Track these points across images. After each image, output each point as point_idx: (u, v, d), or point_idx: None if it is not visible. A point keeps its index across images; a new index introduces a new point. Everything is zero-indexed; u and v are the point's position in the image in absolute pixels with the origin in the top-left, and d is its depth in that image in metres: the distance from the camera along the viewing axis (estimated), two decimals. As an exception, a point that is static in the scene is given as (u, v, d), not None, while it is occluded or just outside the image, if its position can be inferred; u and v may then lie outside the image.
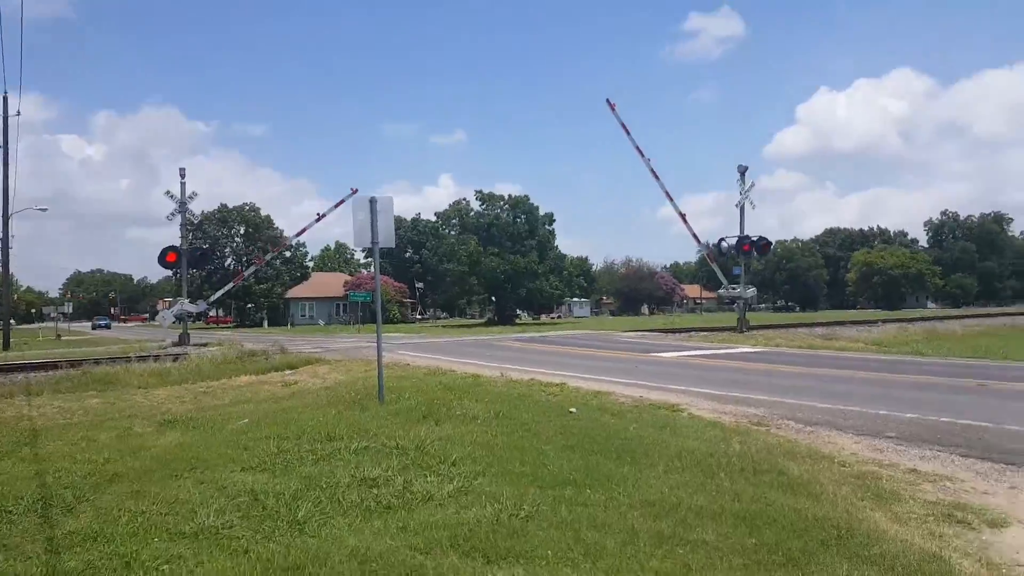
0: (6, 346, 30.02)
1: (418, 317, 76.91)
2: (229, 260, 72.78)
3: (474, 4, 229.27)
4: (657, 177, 33.70)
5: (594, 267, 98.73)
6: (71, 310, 65.85)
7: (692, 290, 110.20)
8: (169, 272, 51.53)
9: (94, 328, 78.49)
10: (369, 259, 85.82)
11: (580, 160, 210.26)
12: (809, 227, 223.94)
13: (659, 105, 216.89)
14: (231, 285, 37.74)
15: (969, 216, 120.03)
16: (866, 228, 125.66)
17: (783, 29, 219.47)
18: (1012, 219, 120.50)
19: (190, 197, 27.53)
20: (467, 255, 63.06)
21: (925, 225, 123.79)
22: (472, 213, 68.94)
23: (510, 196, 67.67)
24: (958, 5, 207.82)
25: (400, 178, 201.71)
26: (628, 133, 33.61)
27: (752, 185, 32.37)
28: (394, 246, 10.28)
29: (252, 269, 45.49)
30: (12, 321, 40.41)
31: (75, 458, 6.82)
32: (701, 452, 6.78)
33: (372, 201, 9.71)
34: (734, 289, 32.99)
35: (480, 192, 68.34)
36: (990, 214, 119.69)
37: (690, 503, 5.16)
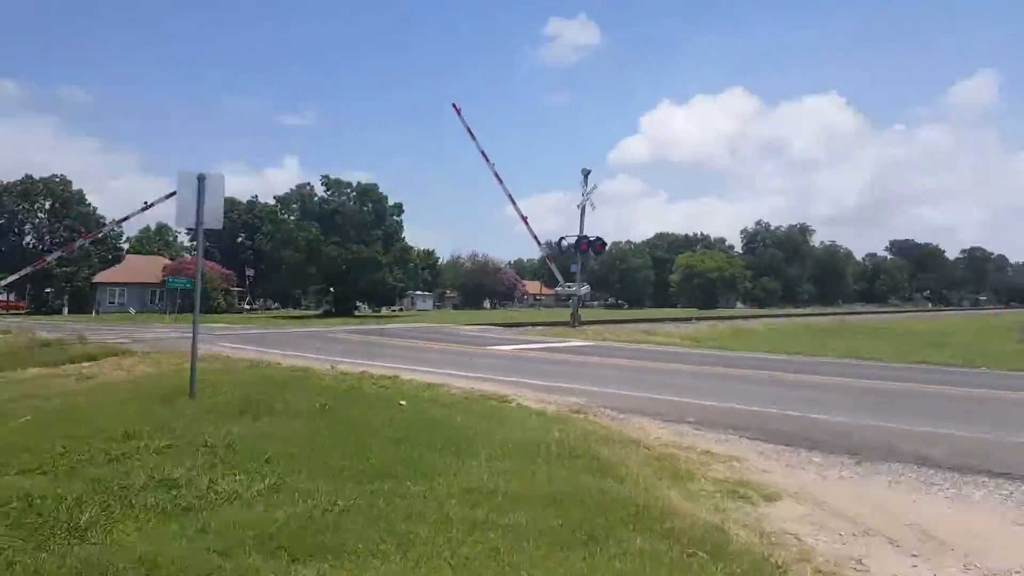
0: None
1: (247, 307, 72.76)
2: (29, 238, 64.88)
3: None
4: (501, 181, 34.56)
5: (440, 260, 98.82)
6: None
7: (533, 286, 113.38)
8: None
9: None
10: (194, 242, 79.88)
11: (432, 153, 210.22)
12: (642, 231, 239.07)
13: (516, 106, 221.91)
14: (29, 269, 33.67)
15: (779, 226, 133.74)
16: (691, 234, 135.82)
17: (636, 41, 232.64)
18: (815, 231, 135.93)
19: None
20: (306, 242, 60.36)
21: (741, 233, 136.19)
22: (316, 199, 65.97)
23: (359, 184, 65.42)
24: (786, 30, 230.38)
25: (240, 158, 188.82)
26: (473, 137, 34.22)
27: (594, 188, 34.03)
28: (221, 227, 9.61)
29: (56, 255, 40.85)
30: None
31: None
32: (523, 440, 6.98)
33: (200, 178, 9.00)
34: (570, 287, 34.45)
35: (327, 177, 65.05)
36: (797, 225, 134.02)
37: (507, 489, 5.30)
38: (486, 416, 8.43)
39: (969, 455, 7.20)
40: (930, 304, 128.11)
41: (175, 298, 47.53)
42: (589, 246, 33.76)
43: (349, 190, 64.76)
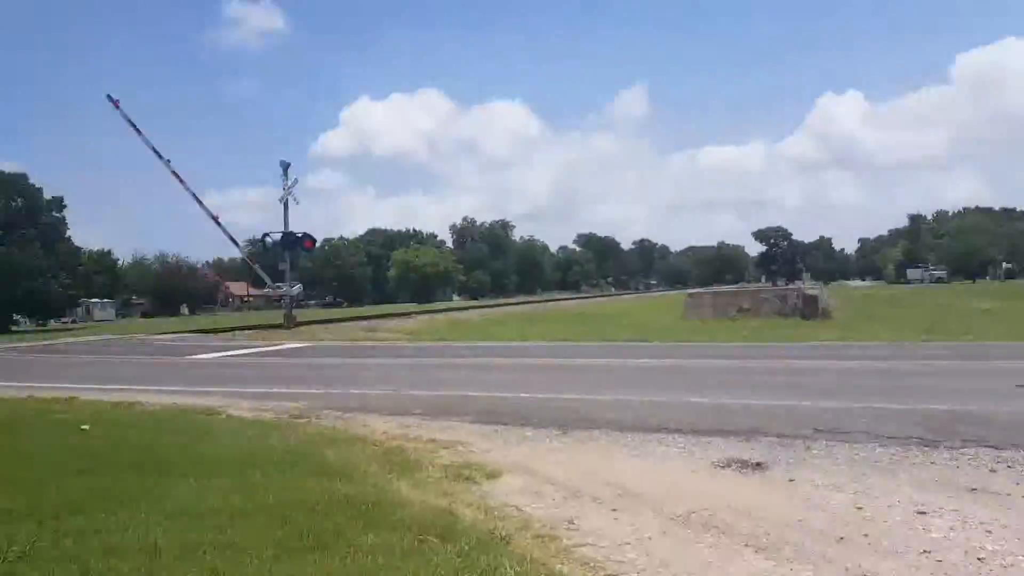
0: None
1: None
2: None
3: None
4: (181, 180, 31.80)
5: (121, 263, 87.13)
6: None
7: (239, 287, 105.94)
8: None
9: None
10: None
11: (100, 143, 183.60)
12: (354, 227, 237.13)
13: (203, 93, 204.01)
14: None
15: (483, 222, 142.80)
16: (403, 229, 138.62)
17: (325, 32, 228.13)
18: (515, 226, 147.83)
19: None
20: (-61, 246, 49.08)
21: (450, 229, 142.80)
22: (-53, 194, 53.83)
23: (1, 173, 54.96)
24: (472, 34, 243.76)
25: None
26: (139, 132, 30.93)
27: (295, 181, 32.61)
28: None
29: None
30: None
31: None
32: (239, 452, 6.54)
33: None
34: (280, 287, 32.84)
35: None
36: (499, 221, 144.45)
37: (222, 506, 4.90)
38: (192, 432, 7.71)
39: (648, 417, 8.29)
40: (613, 289, 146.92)
41: None
42: (297, 243, 32.49)
43: (-11, 180, 54.11)
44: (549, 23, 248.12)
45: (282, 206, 32.17)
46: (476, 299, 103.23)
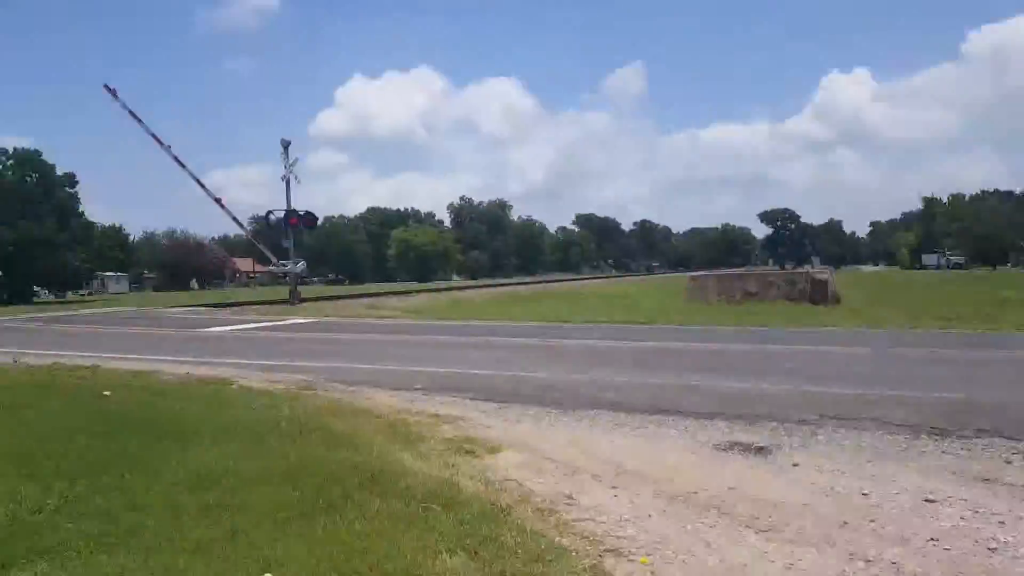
0: None
1: None
2: None
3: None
4: (183, 164, 32.23)
5: (132, 238, 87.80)
6: None
7: (245, 264, 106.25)
8: None
9: None
10: None
11: (107, 121, 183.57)
12: (354, 205, 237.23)
13: (200, 72, 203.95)
14: None
15: (481, 202, 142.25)
16: (402, 208, 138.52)
17: (319, 8, 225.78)
18: (512, 206, 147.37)
19: None
20: (-44, 221, 49.55)
21: (448, 208, 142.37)
22: (-39, 169, 54.29)
23: (15, 150, 55.26)
24: (464, 12, 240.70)
25: None
26: (139, 121, 31.33)
27: (296, 160, 32.93)
28: None
29: None
30: None
31: None
32: (251, 421, 6.87)
33: None
34: (284, 265, 33.26)
35: None
36: (497, 201, 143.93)
37: (237, 470, 5.23)
38: (207, 400, 8.09)
39: (651, 398, 8.42)
40: (613, 271, 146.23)
41: None
42: (300, 220, 32.81)
43: (4, 158, 54.54)
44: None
45: (284, 184, 32.47)
46: (475, 279, 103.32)
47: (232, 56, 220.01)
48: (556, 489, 5.27)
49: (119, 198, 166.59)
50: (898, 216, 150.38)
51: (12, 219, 50.49)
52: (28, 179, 54.23)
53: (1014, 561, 3.86)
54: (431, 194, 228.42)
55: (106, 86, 30.84)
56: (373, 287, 64.93)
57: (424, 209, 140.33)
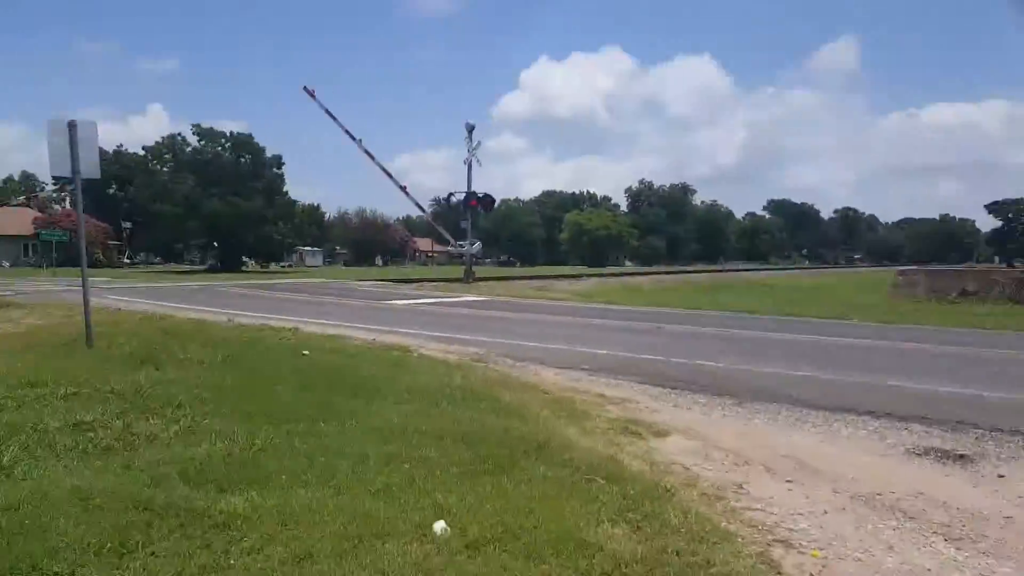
0: None
1: (127, 261, 68.36)
2: None
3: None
4: (372, 156, 34.63)
5: (327, 216, 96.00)
6: None
7: (424, 243, 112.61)
8: None
9: None
10: (63, 194, 73.89)
11: (306, 105, 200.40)
12: (529, 188, 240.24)
13: (391, 58, 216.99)
14: None
15: (661, 185, 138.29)
16: (578, 192, 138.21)
17: None
18: (696, 191, 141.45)
19: None
20: (184, 195, 57.05)
21: (626, 192, 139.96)
22: (189, 149, 62.16)
23: (233, 134, 62.17)
24: None
25: (97, 104, 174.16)
26: (334, 118, 33.86)
27: (479, 144, 34.12)
28: (98, 176, 9.27)
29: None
30: None
31: None
32: (428, 386, 7.32)
33: (71, 126, 8.60)
34: (461, 245, 34.80)
35: (198, 127, 61.26)
36: (679, 185, 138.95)
37: (416, 428, 5.63)
38: (390, 364, 8.74)
39: (838, 396, 7.93)
40: (807, 262, 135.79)
41: (50, 251, 44.12)
42: (479, 203, 34.05)
43: (224, 140, 61.54)
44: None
45: (465, 167, 33.80)
46: (648, 265, 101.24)
47: (425, 42, 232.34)
48: (725, 477, 5.16)
49: (316, 178, 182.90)
50: None
51: (227, 195, 57.05)
52: (242, 160, 60.90)
53: None
54: (609, 178, 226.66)
55: (305, 88, 34.05)
56: (543, 270, 66.11)
57: (601, 193, 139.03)
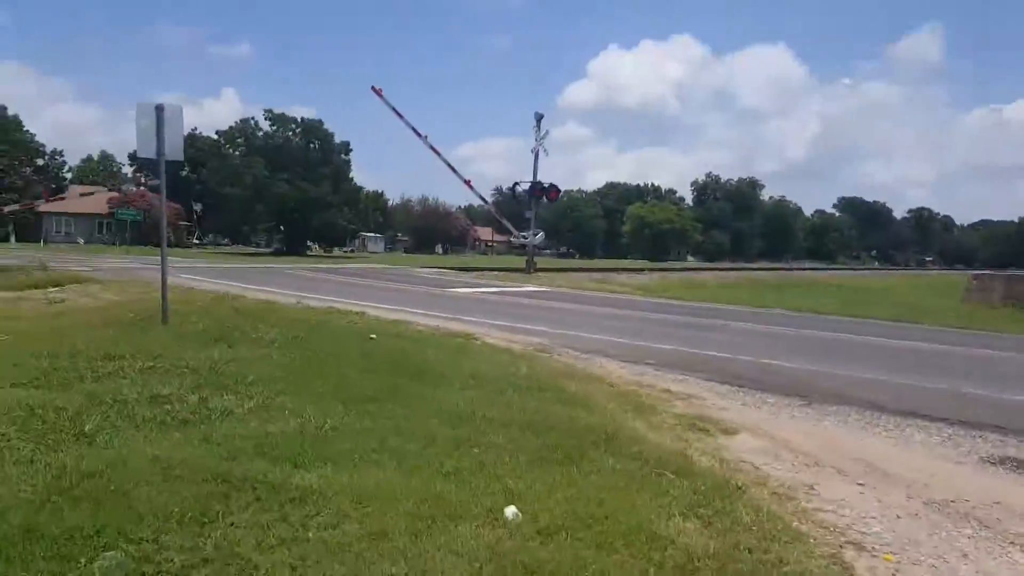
0: None
1: (196, 242, 70.90)
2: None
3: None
4: (437, 152, 35.03)
5: (390, 203, 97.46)
6: None
7: (485, 232, 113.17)
8: None
9: None
10: (139, 174, 77.07)
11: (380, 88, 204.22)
12: (592, 179, 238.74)
13: (461, 46, 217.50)
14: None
15: (729, 179, 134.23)
16: (642, 184, 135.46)
17: None
18: (764, 185, 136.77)
19: None
20: (253, 179, 58.72)
21: (691, 185, 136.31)
22: (261, 134, 63.90)
23: (303, 119, 63.43)
24: None
25: (174, 87, 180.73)
26: (400, 116, 34.31)
27: (547, 133, 33.91)
28: (182, 158, 9.65)
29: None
30: None
31: None
32: (493, 373, 7.34)
33: (159, 109, 8.93)
34: (524, 236, 34.77)
35: (270, 112, 62.84)
36: (747, 179, 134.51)
37: (483, 414, 5.64)
38: (454, 351, 8.78)
39: (911, 401, 7.74)
40: (877, 263, 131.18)
41: (124, 230, 46.15)
42: (543, 192, 33.92)
43: (294, 126, 62.94)
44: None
45: (532, 156, 33.65)
46: (712, 261, 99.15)
47: (494, 32, 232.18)
48: (796, 478, 5.08)
49: (381, 165, 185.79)
50: None
51: (295, 180, 58.39)
52: (312, 145, 62.24)
53: None
54: (674, 170, 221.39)
55: (373, 88, 34.49)
56: (604, 263, 65.65)
57: (665, 185, 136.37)
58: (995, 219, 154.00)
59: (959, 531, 4.25)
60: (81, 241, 60.27)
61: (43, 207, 62.53)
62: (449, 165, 36.18)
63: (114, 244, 50.51)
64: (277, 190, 57.75)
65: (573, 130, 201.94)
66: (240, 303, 11.84)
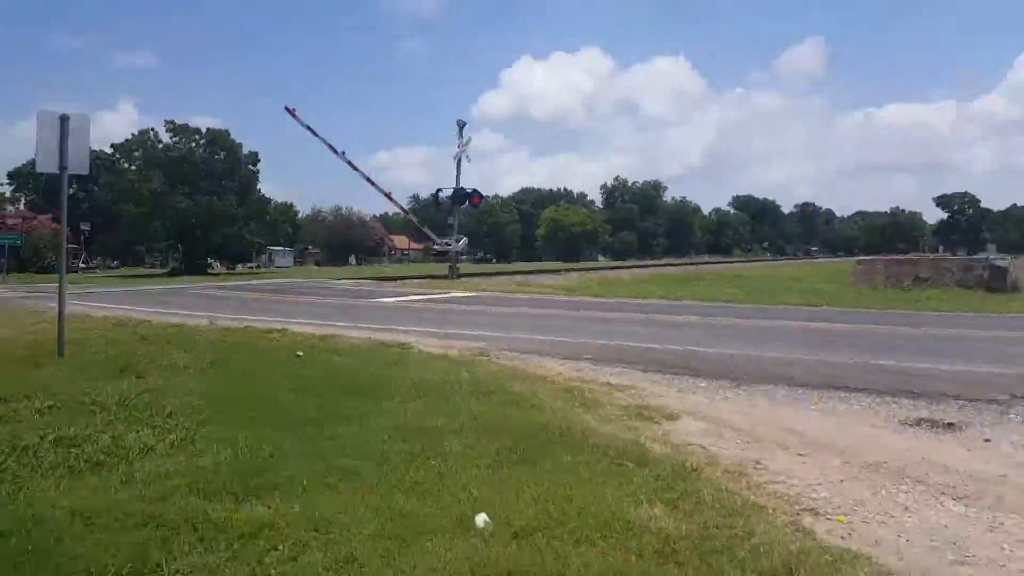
0: None
1: (83, 266, 66.13)
2: None
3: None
4: (355, 167, 35.23)
5: (301, 215, 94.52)
6: None
7: (401, 241, 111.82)
8: None
9: None
10: (19, 194, 71.63)
11: (293, 99, 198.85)
12: (507, 185, 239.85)
13: (373, 53, 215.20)
14: None
15: (635, 182, 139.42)
16: (555, 189, 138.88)
17: None
18: (667, 187, 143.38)
19: None
20: (151, 194, 55.33)
21: (601, 188, 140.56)
22: (160, 146, 60.37)
23: (208, 130, 60.36)
24: None
25: (66, 98, 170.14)
26: (316, 134, 34.17)
27: (469, 140, 33.87)
28: (87, 172, 8.96)
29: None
30: None
31: None
32: (435, 381, 7.11)
33: (63, 119, 8.29)
34: (447, 244, 34.45)
35: (171, 123, 59.19)
36: (651, 182, 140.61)
37: (433, 424, 5.44)
38: (390, 362, 8.46)
39: (829, 376, 8.21)
40: (769, 255, 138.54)
41: (2, 255, 42.50)
42: (466, 198, 33.84)
43: (198, 136, 59.86)
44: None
45: (447, 164, 33.85)
46: (621, 259, 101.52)
47: (407, 39, 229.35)
48: (742, 455, 5.29)
49: (292, 175, 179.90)
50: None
51: (198, 194, 55.43)
52: (216, 157, 59.22)
53: None
54: (585, 175, 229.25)
55: (286, 107, 33.70)
56: (522, 265, 65.87)
57: (577, 190, 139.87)
58: (870, 210, 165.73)
59: (897, 488, 4.55)
60: (-49, 270, 55.13)
61: None
62: (368, 179, 35.78)
63: (-8, 272, 46.51)
64: (177, 205, 54.64)
65: (487, 137, 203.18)
66: (145, 328, 10.97)
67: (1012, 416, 6.48)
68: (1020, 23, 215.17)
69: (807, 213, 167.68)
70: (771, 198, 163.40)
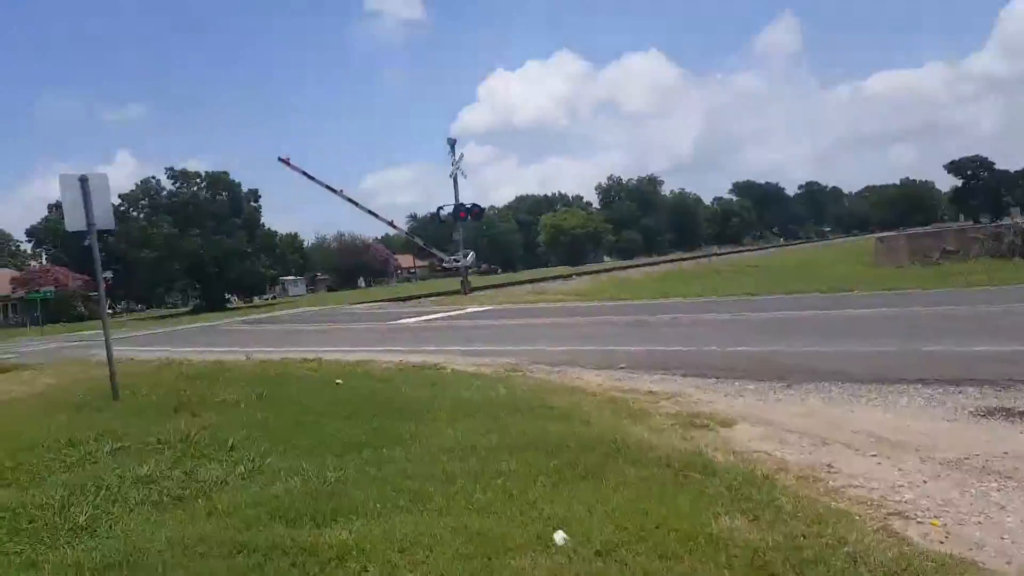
0: None
1: (110, 312, 67.13)
2: None
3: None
4: (356, 203, 36.30)
5: (306, 243, 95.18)
6: None
7: (405, 260, 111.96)
8: None
9: None
10: (40, 250, 73.47)
11: (280, 132, 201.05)
12: (501, 195, 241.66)
13: (353, 82, 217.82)
14: None
15: (629, 179, 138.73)
16: (549, 193, 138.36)
17: (459, 11, 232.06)
18: (663, 181, 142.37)
19: None
20: (163, 238, 56.71)
21: (596, 189, 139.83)
22: (164, 192, 62.04)
23: (207, 173, 62.26)
24: None
25: (64, 158, 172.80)
26: (312, 178, 35.17)
27: (462, 156, 34.41)
28: (113, 226, 9.40)
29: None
30: None
31: None
32: (475, 400, 7.20)
33: (83, 180, 8.80)
34: (455, 260, 34.87)
35: (171, 169, 61.43)
36: (646, 177, 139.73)
37: (485, 443, 5.48)
38: (427, 384, 8.57)
39: (882, 368, 7.85)
40: (780, 240, 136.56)
41: (33, 310, 43.33)
42: (467, 213, 34.33)
43: (199, 180, 61.61)
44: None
45: (441, 181, 34.71)
46: (628, 258, 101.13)
47: (382, 68, 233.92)
48: (811, 458, 5.09)
49: (292, 206, 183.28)
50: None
51: (207, 235, 56.80)
52: (219, 198, 60.66)
53: None
54: (577, 177, 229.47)
55: (280, 158, 34.57)
56: (529, 273, 65.88)
57: (571, 192, 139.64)
58: (877, 184, 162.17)
59: (986, 486, 4.30)
60: (-13, 326, 56.25)
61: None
62: (370, 212, 36.70)
63: (24, 326, 47.34)
64: (190, 246, 55.92)
65: (473, 151, 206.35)
66: (188, 368, 11.23)
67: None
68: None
69: (813, 193, 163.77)
70: (773, 181, 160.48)
